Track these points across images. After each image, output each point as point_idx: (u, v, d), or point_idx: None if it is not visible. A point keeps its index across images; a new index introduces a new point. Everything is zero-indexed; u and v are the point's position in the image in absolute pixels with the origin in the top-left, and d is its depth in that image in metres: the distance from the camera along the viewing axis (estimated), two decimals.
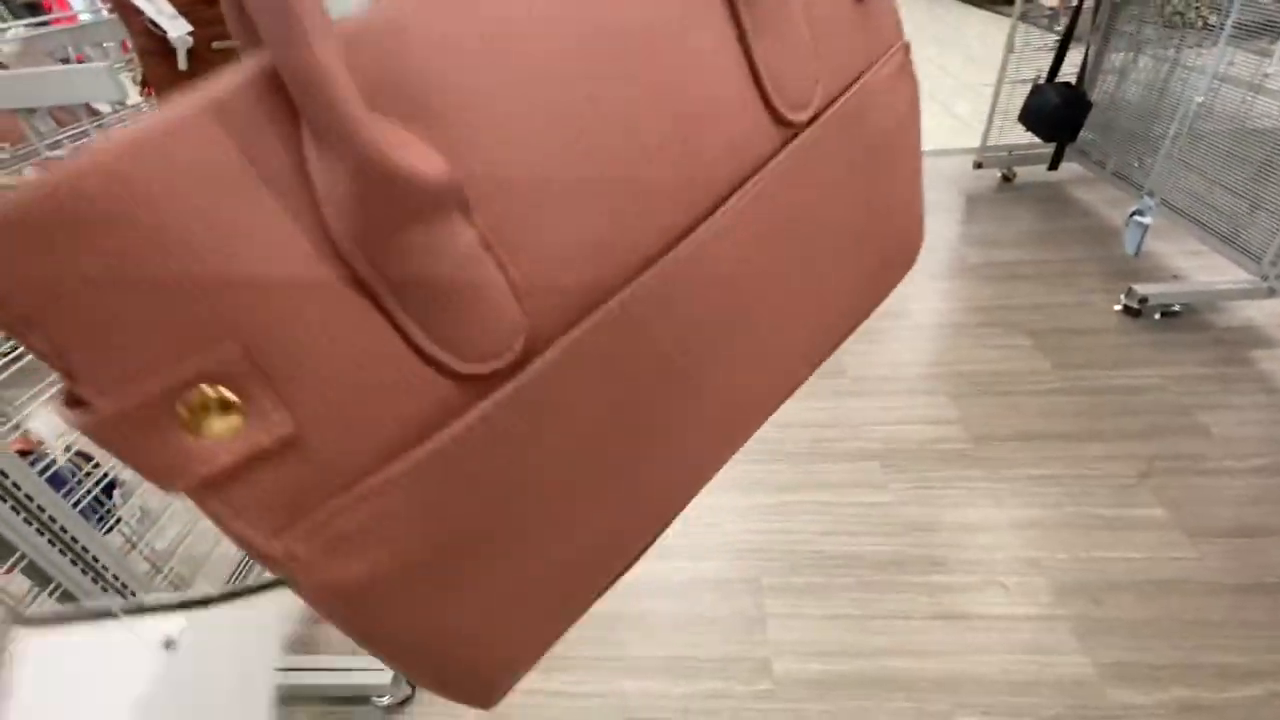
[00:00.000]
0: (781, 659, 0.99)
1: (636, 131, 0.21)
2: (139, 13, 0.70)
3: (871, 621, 1.03)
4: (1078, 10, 1.96)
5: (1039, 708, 0.90)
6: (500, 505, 0.21)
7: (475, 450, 0.20)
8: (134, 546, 0.90)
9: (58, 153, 0.81)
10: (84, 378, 0.15)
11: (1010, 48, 2.22)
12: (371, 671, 0.97)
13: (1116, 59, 2.06)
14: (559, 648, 0.27)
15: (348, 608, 0.20)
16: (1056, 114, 2.04)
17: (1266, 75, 1.56)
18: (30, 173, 0.82)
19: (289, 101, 0.16)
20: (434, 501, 0.20)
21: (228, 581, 1.00)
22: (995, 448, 1.30)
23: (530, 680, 0.26)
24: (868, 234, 0.32)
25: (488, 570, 0.22)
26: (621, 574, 0.28)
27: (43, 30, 0.87)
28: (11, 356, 0.76)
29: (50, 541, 0.75)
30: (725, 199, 0.24)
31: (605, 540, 0.26)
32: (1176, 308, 1.59)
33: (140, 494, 0.98)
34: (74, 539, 0.77)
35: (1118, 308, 1.63)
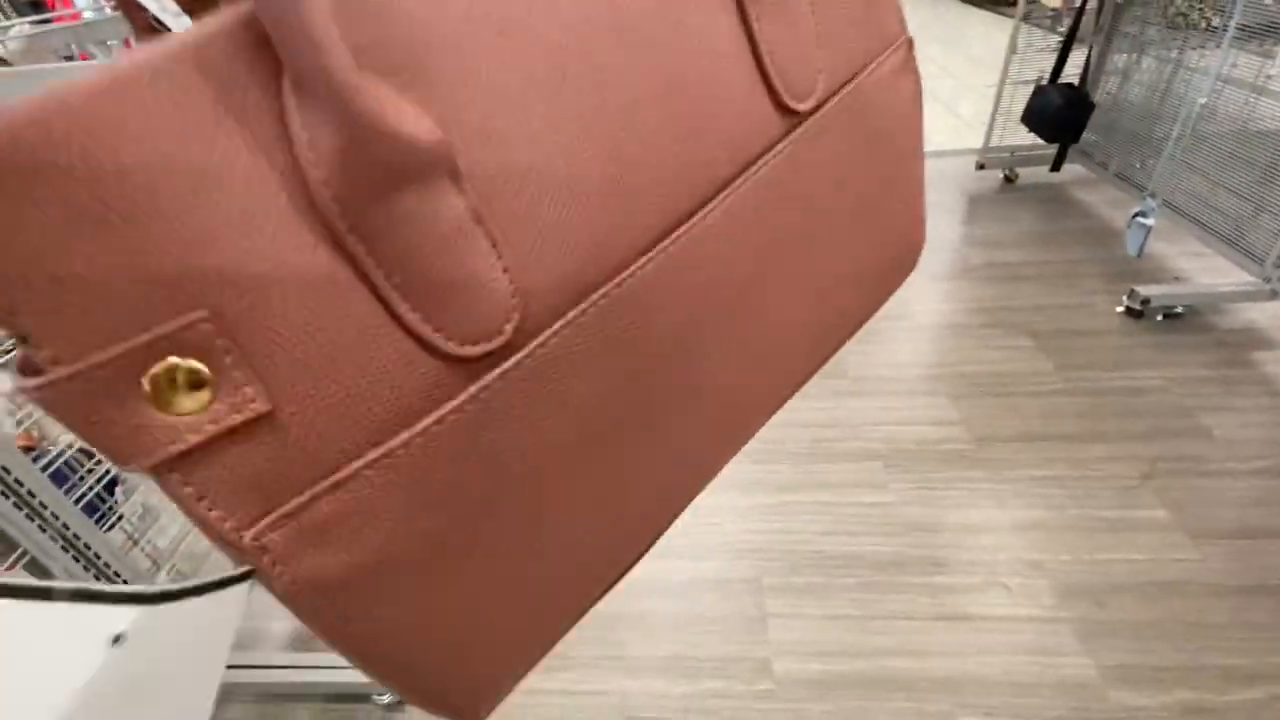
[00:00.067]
0: (782, 659, 0.99)
1: (637, 111, 0.21)
2: (142, 10, 0.70)
3: (872, 622, 1.03)
4: (1081, 11, 1.96)
5: (1041, 709, 0.90)
6: (489, 497, 0.20)
7: (464, 436, 0.19)
8: (135, 543, 0.90)
9: None
10: (38, 342, 0.14)
11: (1013, 49, 2.22)
12: None
13: (1119, 60, 2.06)
14: (559, 646, 0.26)
15: (322, 606, 0.18)
16: (1059, 115, 2.03)
17: (1269, 77, 1.56)
18: None
19: (271, 52, 0.15)
20: (419, 491, 0.19)
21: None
22: (997, 449, 1.29)
23: (530, 679, 0.25)
24: (867, 230, 0.32)
25: (475, 569, 0.21)
26: (614, 583, 0.27)
27: (46, 28, 0.87)
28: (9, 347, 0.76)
29: (52, 538, 0.75)
30: (727, 185, 0.24)
31: (599, 541, 0.25)
32: (1179, 309, 1.59)
33: (142, 491, 0.98)
34: (76, 535, 0.77)
35: (1120, 309, 1.63)
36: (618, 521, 0.25)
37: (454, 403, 0.19)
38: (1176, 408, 1.35)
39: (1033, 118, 2.11)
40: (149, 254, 0.14)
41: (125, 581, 0.82)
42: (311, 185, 0.16)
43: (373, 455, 0.18)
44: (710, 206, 0.23)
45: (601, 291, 0.21)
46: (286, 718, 0.98)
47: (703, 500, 0.29)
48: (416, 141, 0.16)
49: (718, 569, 1.13)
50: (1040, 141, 2.18)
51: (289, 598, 0.18)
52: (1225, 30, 1.53)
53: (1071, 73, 2.04)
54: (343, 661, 0.20)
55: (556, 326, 0.20)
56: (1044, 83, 2.09)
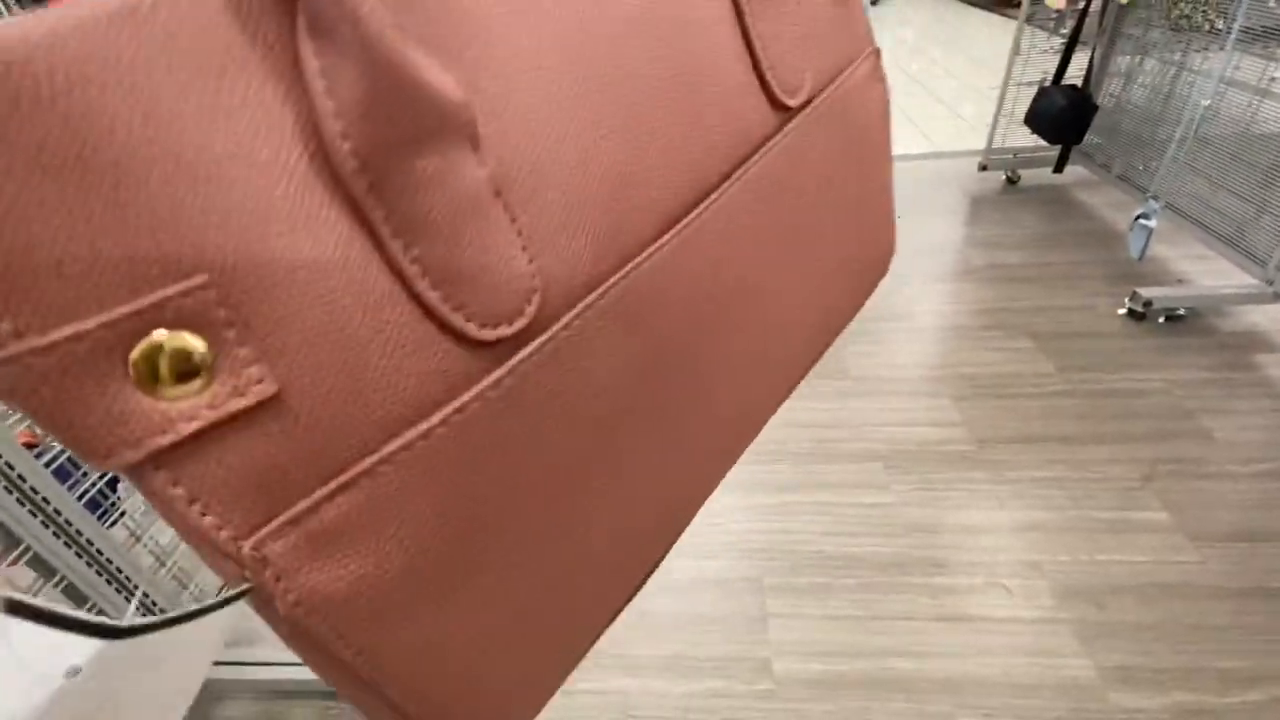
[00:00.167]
0: (782, 659, 0.99)
1: (646, 98, 0.21)
2: None
3: (873, 622, 1.03)
4: (1084, 13, 1.96)
5: (1041, 710, 0.90)
6: (510, 497, 0.19)
7: (487, 426, 0.18)
8: (138, 540, 0.90)
9: None
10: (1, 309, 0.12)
11: (1016, 50, 2.21)
12: None
13: (1122, 62, 2.06)
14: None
15: (328, 629, 0.16)
16: (1062, 117, 2.03)
17: (1273, 80, 1.56)
18: None
19: None
20: (439, 489, 0.17)
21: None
22: (998, 450, 1.29)
23: None
24: (851, 228, 0.33)
25: (495, 581, 0.19)
26: (631, 597, 0.26)
27: None
28: None
29: (55, 534, 0.75)
30: (729, 175, 0.24)
31: (620, 544, 0.24)
32: (1181, 311, 1.58)
33: None
34: (78, 532, 0.77)
35: (1122, 311, 1.63)
36: (634, 518, 0.24)
37: (476, 389, 0.17)
38: (1178, 410, 1.35)
39: (1036, 119, 2.11)
40: (140, 207, 0.12)
41: (127, 578, 0.82)
42: (327, 138, 0.14)
43: (390, 449, 0.16)
44: (714, 196, 0.23)
45: (616, 277, 0.20)
46: (286, 716, 0.98)
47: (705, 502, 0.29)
48: (444, 96, 0.15)
49: (719, 569, 1.13)
50: (1043, 143, 2.17)
51: (293, 620, 0.15)
52: (1229, 33, 1.53)
53: (1074, 74, 2.04)
54: None
55: (577, 310, 0.19)
56: (1047, 84, 2.09)
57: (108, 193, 0.12)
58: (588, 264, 0.19)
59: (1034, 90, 2.13)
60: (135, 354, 0.13)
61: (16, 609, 0.11)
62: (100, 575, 0.80)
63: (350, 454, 0.15)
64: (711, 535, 1.18)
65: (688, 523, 0.28)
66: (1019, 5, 2.22)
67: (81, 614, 0.12)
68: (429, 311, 0.16)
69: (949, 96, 3.34)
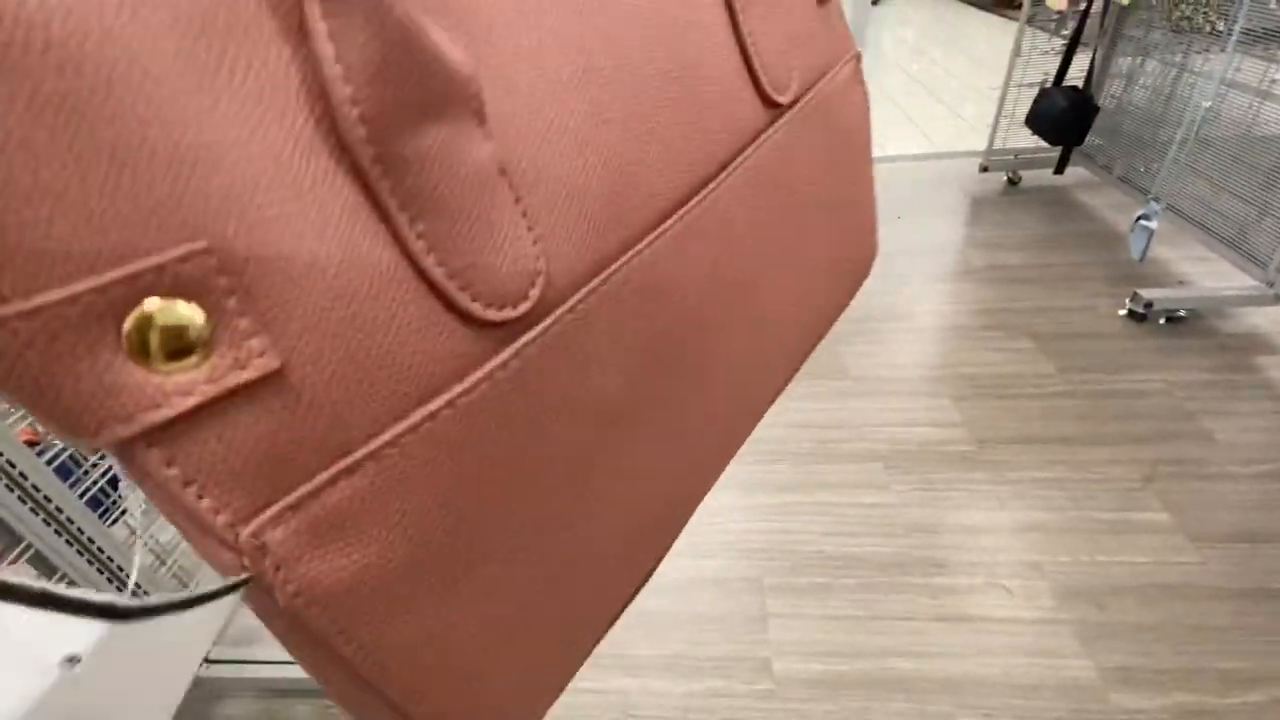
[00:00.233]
0: (783, 659, 0.99)
1: (646, 86, 0.21)
2: None
3: (873, 622, 1.03)
4: (1085, 14, 1.96)
5: (1041, 711, 0.90)
6: (516, 484, 0.18)
7: (494, 408, 0.17)
8: (139, 537, 0.90)
9: None
10: None
11: (1017, 51, 2.22)
12: None
13: (1124, 63, 2.06)
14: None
15: (326, 622, 0.15)
16: (1063, 118, 2.03)
17: (1274, 81, 1.56)
18: None
19: None
20: (445, 472, 0.16)
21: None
22: (998, 450, 1.29)
23: None
24: (837, 226, 0.33)
25: (500, 570, 0.19)
26: (630, 598, 0.26)
27: None
28: None
29: (56, 532, 0.75)
30: (725, 165, 0.24)
31: (627, 534, 0.24)
32: (1182, 313, 1.58)
33: None
34: (80, 530, 0.77)
35: (1123, 312, 1.63)
36: (638, 517, 0.24)
37: (483, 371, 0.17)
38: (1178, 411, 1.35)
39: (1037, 120, 2.11)
40: (137, 167, 0.12)
41: (128, 576, 0.82)
42: (336, 102, 0.14)
43: (396, 430, 0.15)
44: (713, 185, 0.24)
45: (619, 263, 0.20)
46: (286, 714, 0.98)
47: (704, 499, 0.29)
48: (454, 65, 0.15)
49: (719, 568, 1.13)
50: (1044, 144, 2.17)
51: (293, 612, 0.14)
52: (1230, 34, 1.53)
53: (1075, 76, 2.04)
54: None
55: (580, 295, 0.19)
56: (1048, 85, 2.09)
57: (104, 152, 0.11)
58: (590, 249, 0.19)
59: (1035, 91, 2.13)
60: (128, 324, 0.12)
61: (9, 592, 0.10)
62: (101, 573, 0.80)
63: (355, 435, 0.15)
64: (711, 535, 1.18)
65: (687, 518, 0.28)
66: (1020, 6, 2.23)
67: (83, 593, 0.11)
68: (435, 289, 0.16)
69: (950, 97, 3.34)
